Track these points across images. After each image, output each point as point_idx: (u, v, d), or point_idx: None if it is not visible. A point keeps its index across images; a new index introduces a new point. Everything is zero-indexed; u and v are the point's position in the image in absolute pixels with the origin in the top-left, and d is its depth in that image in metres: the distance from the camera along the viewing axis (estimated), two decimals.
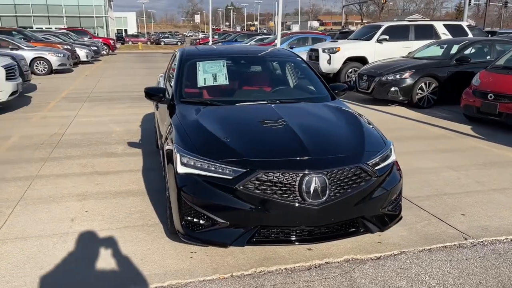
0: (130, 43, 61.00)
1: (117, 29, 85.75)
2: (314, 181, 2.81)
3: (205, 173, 2.89)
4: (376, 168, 3.10)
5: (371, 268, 3.06)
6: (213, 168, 2.88)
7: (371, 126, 3.64)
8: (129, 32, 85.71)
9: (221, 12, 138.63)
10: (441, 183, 4.84)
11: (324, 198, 2.83)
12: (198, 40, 37.12)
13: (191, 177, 2.92)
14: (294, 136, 3.16)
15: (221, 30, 74.74)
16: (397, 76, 9.52)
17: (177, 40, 62.33)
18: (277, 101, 3.93)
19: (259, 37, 24.57)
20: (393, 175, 3.25)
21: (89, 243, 3.40)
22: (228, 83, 4.15)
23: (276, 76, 4.81)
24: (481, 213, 4.04)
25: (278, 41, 17.95)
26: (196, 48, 4.92)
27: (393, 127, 7.73)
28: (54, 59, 16.36)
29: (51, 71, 16.36)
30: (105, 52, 31.63)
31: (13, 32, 18.80)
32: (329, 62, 12.48)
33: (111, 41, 32.52)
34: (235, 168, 2.85)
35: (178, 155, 3.02)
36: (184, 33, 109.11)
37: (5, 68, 8.28)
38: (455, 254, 3.29)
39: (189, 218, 2.92)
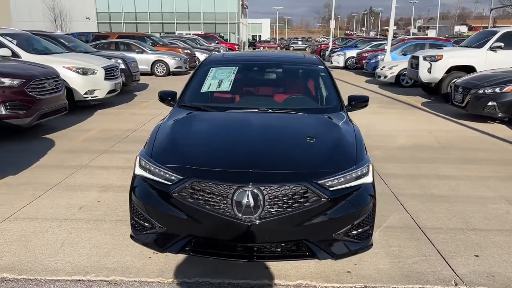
0: (261, 48, 63.69)
1: (252, 35, 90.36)
2: (247, 196, 2.68)
3: (152, 177, 2.95)
4: (331, 189, 2.82)
5: None
6: (158, 173, 2.93)
7: (353, 142, 3.30)
8: (262, 38, 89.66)
9: (358, 17, 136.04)
10: (480, 216, 4.14)
11: (257, 215, 2.68)
12: (320, 46, 37.06)
13: (142, 179, 3.01)
14: (249, 148, 3.04)
15: (354, 35, 73.52)
16: (497, 90, 8.34)
17: (306, 45, 63.05)
18: (269, 110, 3.80)
19: (375, 42, 23.55)
20: (359, 199, 2.91)
21: (75, 230, 3.72)
22: (229, 90, 4.14)
23: (288, 84, 4.62)
24: (502, 257, 3.38)
25: (388, 47, 17.04)
26: (222, 55, 4.99)
27: (469, 146, 6.82)
28: (172, 62, 17.91)
29: (168, 73, 17.95)
30: None
31: (145, 38, 21.10)
32: (429, 71, 11.45)
33: (236, 46, 34.29)
34: (175, 175, 2.86)
35: (137, 158, 3.13)
36: (317, 39, 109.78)
37: (105, 69, 9.38)
38: None
39: (136, 218, 3.02)
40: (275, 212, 2.70)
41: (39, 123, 7.07)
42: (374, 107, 10.70)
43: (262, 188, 2.70)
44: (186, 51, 20.10)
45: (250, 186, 2.69)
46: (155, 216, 2.88)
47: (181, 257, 3.23)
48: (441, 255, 3.39)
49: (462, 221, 4.05)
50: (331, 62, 24.22)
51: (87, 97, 9.15)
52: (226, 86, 4.15)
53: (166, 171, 2.89)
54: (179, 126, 3.46)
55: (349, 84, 15.74)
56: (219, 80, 4.21)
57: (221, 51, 29.20)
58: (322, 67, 4.51)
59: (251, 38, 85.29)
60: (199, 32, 43.44)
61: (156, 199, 2.87)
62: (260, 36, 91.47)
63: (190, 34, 36.11)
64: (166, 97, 4.19)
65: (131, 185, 3.10)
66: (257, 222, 2.67)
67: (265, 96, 4.33)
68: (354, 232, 2.93)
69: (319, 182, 2.79)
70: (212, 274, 3.04)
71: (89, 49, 12.68)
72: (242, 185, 2.69)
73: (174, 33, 43.77)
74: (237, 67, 4.35)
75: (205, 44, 29.45)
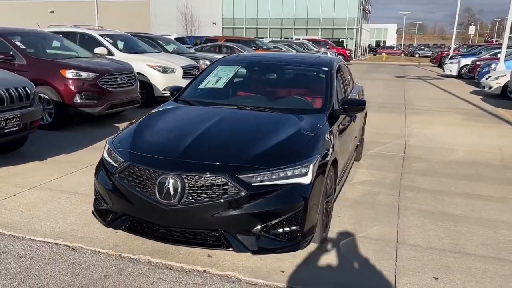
0: (383, 54, 61.46)
1: (376, 41, 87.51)
2: (169, 182, 2.87)
3: (107, 159, 3.31)
4: (254, 184, 2.86)
5: None
6: (111, 155, 3.28)
7: (304, 144, 3.25)
8: (387, 43, 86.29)
9: (503, 23, 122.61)
10: (479, 241, 3.72)
11: (175, 201, 2.86)
12: (440, 53, 34.42)
13: (103, 161, 3.39)
14: (191, 139, 3.19)
15: (494, 43, 66.76)
16: None
17: (433, 51, 59.03)
18: (247, 108, 3.90)
19: (497, 50, 21.19)
20: (284, 198, 2.90)
21: (76, 202, 4.26)
22: (222, 87, 4.31)
23: (285, 85, 4.59)
24: (465, 283, 3.04)
25: (502, 55, 15.34)
26: (237, 55, 5.16)
27: None
28: None
29: None
30: None
31: (250, 42, 22.04)
32: None
33: (347, 52, 33.71)
34: (119, 158, 3.18)
35: (106, 144, 3.51)
36: (449, 46, 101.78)
37: (183, 68, 10.18)
38: None
39: (95, 195, 3.41)
40: (193, 200, 2.85)
41: (113, 112, 8.04)
42: (458, 118, 9.88)
43: (183, 176, 2.87)
44: None
45: (172, 173, 2.88)
46: (104, 193, 3.23)
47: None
48: (395, 272, 3.16)
49: (452, 242, 3.67)
50: (444, 70, 22.49)
51: (165, 93, 10.01)
52: (221, 83, 4.35)
53: (115, 154, 3.23)
54: (151, 117, 3.77)
55: (448, 94, 14.57)
56: (218, 78, 4.42)
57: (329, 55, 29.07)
58: (326, 68, 4.43)
59: (374, 44, 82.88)
60: (315, 37, 43.66)
61: (105, 178, 3.22)
62: (384, 42, 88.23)
63: (299, 39, 36.43)
64: (173, 92, 4.54)
65: (96, 166, 3.50)
66: (176, 207, 2.86)
67: (259, 95, 4.41)
68: (279, 230, 2.93)
69: (240, 176, 2.86)
70: (155, 253, 3.29)
71: (185, 51, 13.76)
72: (165, 171, 2.90)
73: (292, 38, 44.66)
74: (240, 67, 4.51)
75: (313, 48, 29.58)
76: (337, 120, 4.02)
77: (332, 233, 3.76)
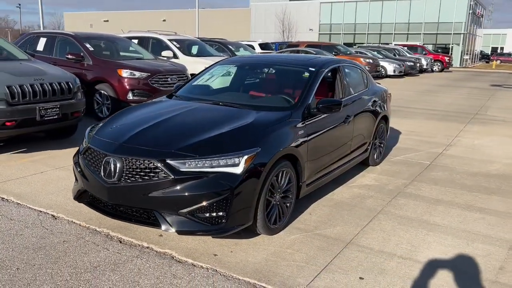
0: (499, 61, 56.30)
1: (492, 47, 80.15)
2: (112, 163, 3.27)
3: (82, 143, 3.83)
4: (182, 169, 3.13)
5: (159, 268, 3.18)
6: (84, 139, 3.80)
7: (245, 138, 3.41)
8: (505, 50, 78.57)
9: None
10: (440, 250, 3.54)
11: (114, 179, 3.24)
12: None
13: (81, 145, 3.91)
14: (143, 128, 3.52)
15: None
16: None
17: None
18: (220, 103, 4.15)
19: None
20: (209, 184, 3.12)
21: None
22: (210, 84, 4.59)
23: (270, 83, 4.69)
24: (388, 286, 2.97)
25: None
26: (241, 56, 5.37)
27: None
28: None
29: None
30: (437, 69, 31.30)
31: (332, 47, 21.95)
32: None
33: (447, 58, 31.60)
34: (85, 141, 3.67)
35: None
36: None
37: None
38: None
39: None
40: (129, 181, 3.21)
41: None
42: None
43: (123, 159, 3.24)
44: (367, 60, 20.02)
45: (114, 155, 3.28)
46: (75, 172, 3.74)
47: None
48: (324, 268, 3.20)
49: (409, 249, 3.55)
50: None
51: None
52: (210, 81, 4.65)
53: (85, 139, 3.73)
54: (129, 108, 4.22)
55: None
56: (211, 76, 4.73)
57: (423, 62, 27.63)
58: (312, 69, 4.49)
59: (489, 51, 76.05)
60: (417, 43, 41.64)
61: (76, 159, 3.74)
62: (502, 48, 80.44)
63: (391, 44, 35.02)
64: (176, 88, 4.95)
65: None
66: (115, 185, 3.24)
67: (240, 92, 4.62)
68: (204, 214, 3.16)
69: (169, 161, 3.16)
70: (117, 229, 3.70)
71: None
72: (109, 153, 3.31)
73: (391, 43, 43.15)
74: (233, 66, 4.78)
75: (406, 54, 28.35)
76: (312, 118, 4.09)
77: (290, 228, 3.85)
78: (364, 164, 5.79)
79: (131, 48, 9.91)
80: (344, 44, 38.69)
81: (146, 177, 3.18)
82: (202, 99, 4.36)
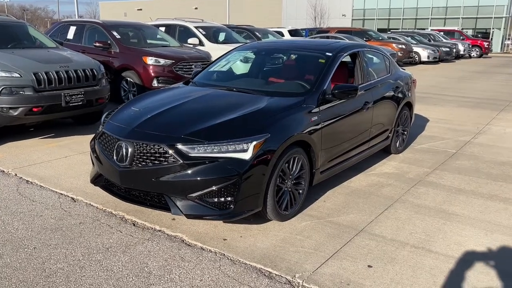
0: None
1: None
2: (124, 147, 3.33)
3: (99, 128, 3.92)
4: (191, 154, 3.16)
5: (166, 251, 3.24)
6: (100, 124, 3.88)
7: (255, 123, 3.40)
8: None
9: None
10: (455, 240, 3.44)
11: (125, 163, 3.31)
12: None
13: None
14: (155, 113, 3.56)
15: None
16: None
17: None
18: (234, 89, 4.14)
19: None
20: (217, 170, 3.14)
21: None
22: (226, 70, 4.58)
23: (286, 69, 4.61)
24: (396, 275, 2.92)
25: None
26: (257, 42, 5.31)
27: None
28: None
29: None
30: (475, 55, 30.12)
31: (363, 33, 21.46)
32: None
33: (485, 43, 30.31)
34: (101, 126, 3.76)
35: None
36: None
37: None
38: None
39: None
40: (140, 165, 3.27)
41: None
42: None
43: (135, 143, 3.30)
44: (400, 46, 19.48)
45: (126, 140, 3.34)
46: (91, 156, 3.84)
47: None
48: (332, 255, 3.17)
49: (424, 238, 3.46)
50: None
51: None
52: (226, 67, 4.64)
53: (101, 124, 3.81)
54: (145, 94, 4.28)
55: None
56: (228, 62, 4.72)
57: (460, 48, 26.62)
58: (329, 54, 4.40)
59: None
60: (456, 28, 40.10)
61: (92, 143, 3.84)
62: None
63: (427, 29, 33.87)
64: (193, 75, 4.98)
65: None
66: (127, 169, 3.31)
67: (255, 78, 4.58)
68: (213, 199, 3.18)
69: (178, 146, 3.19)
70: (132, 212, 3.79)
71: None
72: (121, 138, 3.37)
73: (428, 29, 41.76)
74: (250, 52, 4.74)
75: (442, 39, 27.38)
76: (327, 104, 4.03)
77: (302, 214, 3.83)
78: (385, 152, 5.67)
79: (158, 36, 10.03)
80: (378, 30, 37.74)
81: (156, 162, 3.22)
82: (217, 85, 4.37)
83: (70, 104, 5.91)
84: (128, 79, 8.51)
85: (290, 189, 3.67)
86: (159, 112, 3.61)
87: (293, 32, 21.94)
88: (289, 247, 3.26)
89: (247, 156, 3.20)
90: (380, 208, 4.02)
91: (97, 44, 8.68)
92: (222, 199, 3.19)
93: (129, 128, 3.44)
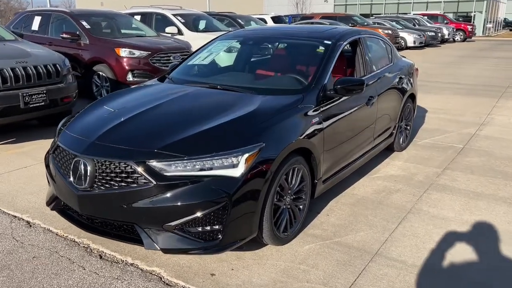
0: None
1: None
2: (82, 165, 2.66)
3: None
4: (167, 174, 2.51)
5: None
6: (55, 134, 3.19)
7: (243, 129, 2.76)
8: None
9: None
10: (489, 264, 2.88)
11: (85, 186, 2.64)
12: None
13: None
14: (121, 121, 2.88)
15: None
16: None
17: None
18: (218, 87, 3.47)
19: None
20: (201, 192, 2.50)
21: None
22: (208, 64, 3.91)
23: (278, 61, 3.98)
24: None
25: None
26: (243, 30, 4.63)
27: None
28: None
29: None
30: (459, 39, 29.85)
31: (348, 18, 20.86)
32: None
33: (469, 27, 30.04)
34: (55, 137, 3.07)
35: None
36: None
37: None
38: None
39: None
40: (103, 188, 2.61)
41: None
42: None
43: (95, 160, 2.63)
44: (386, 31, 18.92)
45: (84, 156, 2.66)
46: (46, 174, 3.15)
47: None
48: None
49: (449, 260, 2.89)
50: None
51: None
52: (208, 59, 3.97)
53: (57, 134, 3.12)
54: (113, 96, 3.57)
55: None
56: (210, 54, 4.05)
57: (444, 32, 26.26)
58: (328, 42, 3.77)
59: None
60: (438, 12, 39.72)
61: (47, 157, 3.15)
62: None
63: (410, 13, 33.46)
64: (170, 68, 4.29)
65: None
66: (88, 193, 2.64)
67: (242, 73, 3.94)
68: (195, 228, 2.55)
69: (151, 164, 2.53)
70: (101, 240, 3.10)
71: None
72: (77, 153, 2.70)
73: (410, 13, 41.30)
74: (235, 41, 4.07)
75: (426, 24, 26.98)
76: (329, 102, 3.41)
77: (304, 234, 3.23)
78: (388, 150, 5.10)
79: (133, 25, 9.25)
80: (361, 15, 37.11)
81: (123, 184, 2.56)
82: (197, 82, 3.69)
83: (30, 105, 5.17)
84: (100, 73, 7.75)
85: (289, 206, 3.06)
86: (126, 119, 2.93)
87: (276, 19, 21.20)
88: (292, 282, 2.66)
89: (237, 172, 2.57)
90: (392, 222, 3.44)
91: (65, 36, 7.87)
92: (208, 227, 2.56)
93: (88, 141, 2.76)
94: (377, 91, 4.21)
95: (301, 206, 3.20)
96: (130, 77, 7.53)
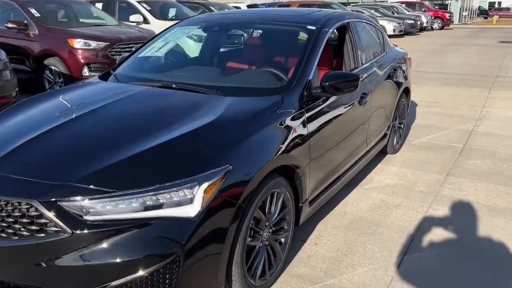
0: (497, 17, 54.18)
1: (489, 2, 77.44)
2: None
3: None
4: (88, 217, 1.74)
5: None
6: None
7: (208, 148, 2.01)
8: (503, 5, 75.92)
9: None
10: None
11: None
12: None
13: None
14: (28, 140, 2.07)
15: None
16: None
17: None
18: (173, 86, 2.69)
19: None
20: (140, 240, 1.75)
21: None
22: (162, 56, 3.13)
23: (252, 52, 3.23)
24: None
25: None
26: (208, 14, 3.81)
27: None
28: None
29: None
30: (437, 27, 29.53)
31: (326, 6, 20.19)
32: None
33: (447, 15, 29.74)
34: None
35: None
36: None
37: None
38: None
39: None
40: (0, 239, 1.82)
41: None
42: None
43: None
44: None
45: None
46: None
47: None
48: None
49: None
50: None
51: None
52: (164, 51, 3.19)
53: None
54: (30, 101, 2.73)
55: None
56: (166, 43, 3.26)
57: (423, 20, 25.86)
58: (312, 28, 3.02)
59: (487, 6, 73.51)
60: (415, 0, 39.40)
61: None
62: (499, 3, 77.72)
63: (387, 1, 33.01)
64: (119, 62, 3.48)
65: None
66: None
67: (208, 68, 3.17)
68: None
69: (63, 204, 1.76)
70: None
71: None
72: None
73: (383, 1, 40.89)
74: (198, 28, 3.30)
75: (405, 12, 26.52)
76: (315, 103, 2.69)
77: (287, 275, 2.51)
78: (380, 152, 4.41)
79: (93, 14, 8.32)
80: (339, 3, 36.43)
81: (26, 233, 1.78)
82: (148, 79, 2.89)
83: None
84: (53, 68, 6.83)
85: (267, 243, 2.33)
86: (35, 136, 2.12)
87: (252, 7, 20.32)
88: None
89: (192, 210, 1.82)
90: (396, 252, 2.76)
91: (10, 25, 6.90)
92: None
93: None
94: (370, 86, 3.51)
95: (282, 239, 2.48)
96: (86, 72, 6.64)
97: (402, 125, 4.70)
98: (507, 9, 65.06)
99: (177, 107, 2.38)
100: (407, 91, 4.64)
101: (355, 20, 3.66)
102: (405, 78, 4.47)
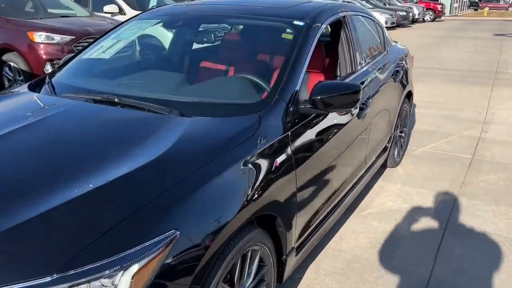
0: (485, 9, 53.97)
1: None
2: None
3: None
4: None
5: None
6: None
7: (144, 207, 1.37)
8: None
9: None
10: None
11: None
12: None
13: None
14: None
15: None
16: None
17: None
18: (115, 100, 2.02)
19: None
20: None
21: None
22: (111, 59, 2.47)
23: (226, 53, 2.60)
24: None
25: None
26: (177, 4, 3.12)
27: None
28: None
29: None
30: (429, 18, 29.01)
31: None
32: None
33: (439, 6, 29.21)
34: None
35: None
36: None
37: None
38: None
39: None
40: None
41: None
42: None
43: None
44: None
45: None
46: None
47: None
48: None
49: None
50: None
51: None
52: (112, 51, 2.53)
53: None
54: None
55: None
56: (117, 41, 2.60)
57: (415, 11, 25.30)
58: (300, 23, 2.38)
59: None
60: None
61: None
62: None
63: None
64: (63, 63, 2.80)
65: None
66: None
67: (164, 75, 2.50)
68: None
69: None
70: None
71: None
72: None
73: None
74: (158, 22, 2.64)
75: (397, 3, 25.93)
76: (303, 122, 2.06)
77: None
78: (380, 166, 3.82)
79: (64, 4, 7.57)
80: None
81: None
82: (86, 90, 2.22)
83: None
84: (12, 64, 6.10)
85: None
86: None
87: None
88: None
89: None
90: None
91: None
92: None
93: None
94: (370, 94, 2.89)
95: None
96: (49, 69, 5.92)
97: (403, 134, 4.11)
98: (497, 0, 64.84)
99: (109, 137, 1.73)
100: (409, 95, 4.04)
101: (351, 13, 3.02)
102: (407, 80, 3.87)
